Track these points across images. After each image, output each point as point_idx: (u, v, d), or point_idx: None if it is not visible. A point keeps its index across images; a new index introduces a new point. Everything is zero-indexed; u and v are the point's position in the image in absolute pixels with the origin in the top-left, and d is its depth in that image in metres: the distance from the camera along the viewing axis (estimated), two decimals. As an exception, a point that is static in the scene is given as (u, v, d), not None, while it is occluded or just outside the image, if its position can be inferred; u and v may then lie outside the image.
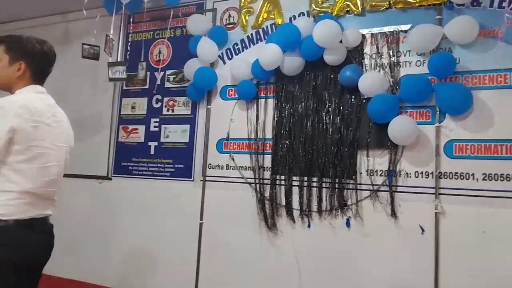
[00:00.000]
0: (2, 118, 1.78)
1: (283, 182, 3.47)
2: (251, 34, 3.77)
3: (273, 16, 3.67)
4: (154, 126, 4.14)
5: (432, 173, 3.03)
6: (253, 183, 3.59)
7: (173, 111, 4.08)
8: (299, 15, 3.55)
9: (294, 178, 3.42)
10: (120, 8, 3.80)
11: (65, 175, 4.60)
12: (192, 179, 3.90)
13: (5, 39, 1.96)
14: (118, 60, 4.20)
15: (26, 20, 5.01)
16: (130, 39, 4.34)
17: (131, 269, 4.08)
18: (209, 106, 3.89)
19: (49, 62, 2.07)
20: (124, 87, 4.33)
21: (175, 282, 3.86)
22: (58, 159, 2.04)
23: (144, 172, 4.13)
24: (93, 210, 4.34)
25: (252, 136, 3.64)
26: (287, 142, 3.45)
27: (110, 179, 4.29)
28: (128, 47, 4.28)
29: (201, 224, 3.78)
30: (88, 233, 4.34)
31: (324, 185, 3.32)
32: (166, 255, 3.93)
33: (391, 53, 3.21)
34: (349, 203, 3.25)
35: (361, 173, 3.23)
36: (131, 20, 4.32)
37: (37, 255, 1.96)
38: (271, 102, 3.59)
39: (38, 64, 2.00)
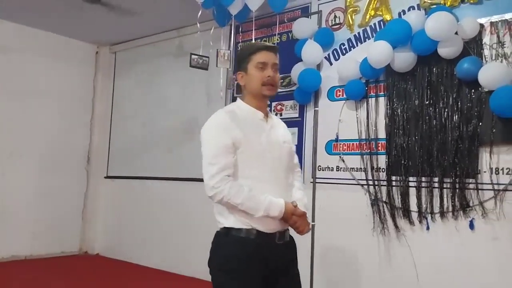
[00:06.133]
0: None
1: (398, 183, 3.36)
2: (358, 33, 3.72)
3: (380, 13, 3.59)
4: (264, 130, 4.26)
5: None
6: (365, 184, 3.54)
7: (281, 115, 4.17)
8: (408, 9, 3.43)
9: (411, 178, 3.30)
10: (230, 19, 3.99)
11: (185, 179, 4.95)
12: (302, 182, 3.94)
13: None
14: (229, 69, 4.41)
15: (146, 37, 5.49)
16: (239, 49, 4.53)
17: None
18: (316, 108, 3.92)
19: None
20: (235, 95, 4.54)
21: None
22: None
23: (256, 175, 4.27)
24: (210, 211, 4.57)
25: (363, 136, 3.59)
26: (401, 141, 3.35)
27: (224, 182, 4.50)
28: (238, 56, 4.46)
29: (313, 226, 3.81)
30: (206, 232, 4.58)
31: (443, 185, 3.15)
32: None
33: (514, 41, 2.97)
34: (471, 204, 3.05)
35: (484, 171, 3.01)
36: (240, 30, 4.52)
37: None
38: (382, 100, 3.51)
39: None
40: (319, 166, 3.84)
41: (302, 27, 3.91)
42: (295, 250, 2.04)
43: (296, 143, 4.00)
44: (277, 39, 4.22)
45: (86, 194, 5.85)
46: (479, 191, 3.02)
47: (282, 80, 4.18)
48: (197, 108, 4.87)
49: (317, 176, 3.84)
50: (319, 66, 3.90)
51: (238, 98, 2.05)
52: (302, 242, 3.76)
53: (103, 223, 5.79)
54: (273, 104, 4.22)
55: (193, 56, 4.14)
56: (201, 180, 1.92)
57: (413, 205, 3.29)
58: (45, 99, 5.45)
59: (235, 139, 1.86)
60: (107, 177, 5.83)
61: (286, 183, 2.00)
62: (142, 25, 5.13)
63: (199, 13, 3.95)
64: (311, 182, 3.86)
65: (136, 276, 4.73)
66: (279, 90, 4.16)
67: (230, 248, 1.87)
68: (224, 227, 1.91)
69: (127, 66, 5.83)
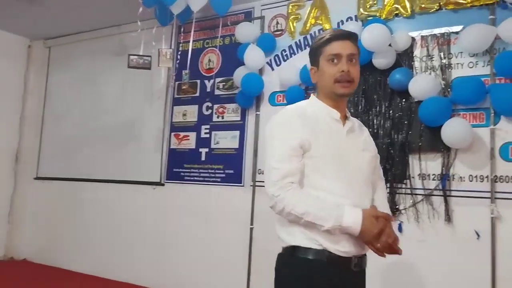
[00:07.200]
0: None
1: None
2: (299, 40, 3.81)
3: (320, 22, 3.71)
4: (205, 133, 4.25)
5: (487, 176, 2.95)
6: (302, 187, 3.61)
7: (223, 118, 4.18)
8: (347, 20, 3.57)
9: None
10: (172, 19, 3.95)
11: (121, 182, 4.78)
12: (242, 185, 3.97)
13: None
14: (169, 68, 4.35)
15: (84, 33, 5.28)
16: (180, 49, 4.49)
17: (184, 272, 4.20)
18: (258, 112, 3.97)
19: None
20: (176, 96, 4.48)
21: (227, 285, 3.93)
22: None
23: (196, 178, 4.24)
24: (147, 215, 4.50)
25: (301, 141, 3.66)
26: (337, 146, 3.46)
27: (163, 185, 4.43)
28: (178, 56, 4.42)
29: (251, 229, 3.84)
30: (142, 237, 4.50)
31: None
32: (218, 259, 4.01)
33: (442, 55, 3.18)
34: (401, 207, 3.22)
35: (413, 177, 3.19)
36: (182, 30, 4.48)
37: None
38: (320, 107, 3.62)
39: None
40: (259, 169, 3.88)
41: (245, 32, 3.94)
42: (364, 283, 1.68)
43: (237, 147, 4.03)
44: (220, 42, 4.23)
45: (13, 196, 5.51)
46: (409, 195, 3.20)
47: (224, 83, 4.19)
48: (137, 108, 4.75)
49: (257, 180, 3.88)
50: (261, 71, 3.95)
51: (312, 94, 1.75)
52: (240, 244, 3.83)
53: (32, 227, 5.48)
54: (215, 106, 4.22)
55: (131, 57, 4.02)
56: (139, 183, 1.87)
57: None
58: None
59: (302, 140, 1.54)
60: (37, 178, 5.53)
61: (363, 199, 1.61)
62: (80, 19, 4.91)
63: (139, 11, 3.87)
64: (251, 186, 3.89)
65: (67, 282, 4.52)
66: (221, 92, 4.19)
67: (294, 271, 1.55)
68: (289, 246, 1.57)
69: (62, 62, 5.57)
